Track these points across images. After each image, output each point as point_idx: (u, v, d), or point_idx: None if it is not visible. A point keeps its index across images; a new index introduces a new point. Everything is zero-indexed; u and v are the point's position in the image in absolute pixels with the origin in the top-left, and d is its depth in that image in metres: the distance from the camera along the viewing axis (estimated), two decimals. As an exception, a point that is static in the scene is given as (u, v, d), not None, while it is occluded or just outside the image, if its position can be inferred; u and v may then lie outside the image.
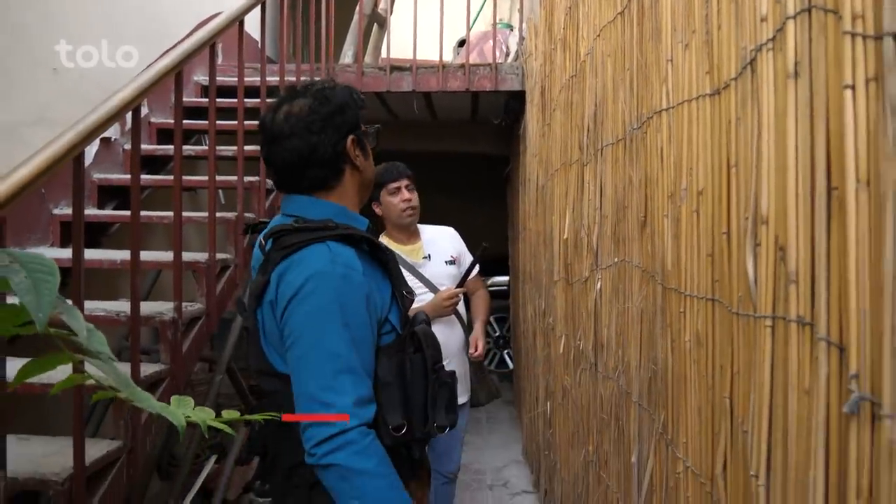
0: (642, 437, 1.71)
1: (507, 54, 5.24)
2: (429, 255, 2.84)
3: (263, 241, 1.41)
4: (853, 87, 0.73)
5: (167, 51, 3.94)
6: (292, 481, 1.37)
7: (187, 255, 2.63)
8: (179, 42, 4.03)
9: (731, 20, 1.09)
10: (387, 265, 1.42)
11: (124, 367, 1.97)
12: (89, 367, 0.96)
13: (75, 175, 1.85)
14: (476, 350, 2.84)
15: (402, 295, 1.43)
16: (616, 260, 2.01)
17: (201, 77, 4.28)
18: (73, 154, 1.82)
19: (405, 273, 2.47)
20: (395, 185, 2.80)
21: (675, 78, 1.40)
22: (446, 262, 2.87)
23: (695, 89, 1.28)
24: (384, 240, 2.73)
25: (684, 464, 1.34)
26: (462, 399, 2.75)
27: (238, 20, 2.94)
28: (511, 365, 6.63)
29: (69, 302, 0.98)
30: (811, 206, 0.83)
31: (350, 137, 1.43)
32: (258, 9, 3.28)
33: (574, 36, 2.69)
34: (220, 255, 2.82)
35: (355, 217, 1.45)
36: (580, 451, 2.57)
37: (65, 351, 0.98)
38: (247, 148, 3.19)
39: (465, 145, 6.32)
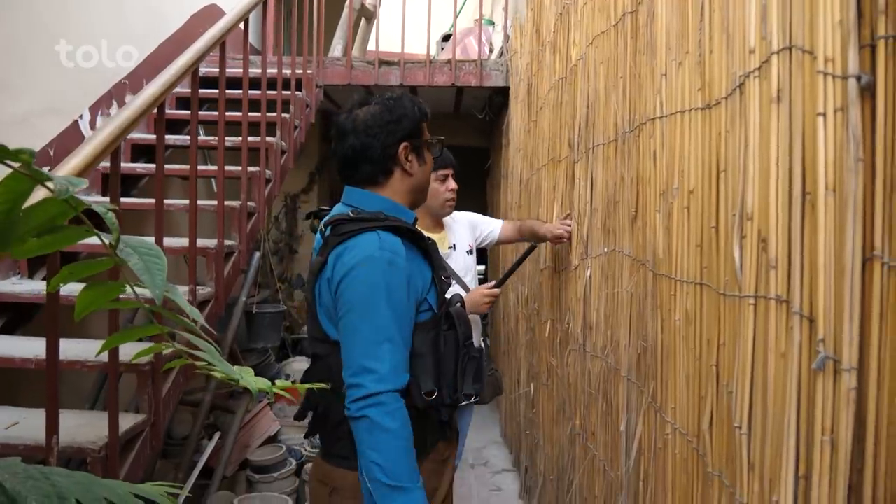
0: (630, 408, 1.93)
1: (491, 51, 5.42)
2: (454, 245, 2.79)
3: (324, 228, 1.60)
4: (824, 115, 0.93)
5: (162, 43, 4.07)
6: (338, 434, 1.57)
7: (199, 242, 2.78)
8: (174, 34, 4.16)
9: (722, 47, 1.29)
10: (428, 252, 1.62)
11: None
12: (192, 339, 1.13)
13: (112, 167, 2.00)
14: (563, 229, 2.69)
15: (441, 279, 1.63)
16: (606, 250, 2.22)
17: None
18: (112, 149, 1.97)
19: None
20: (444, 172, 2.71)
21: (669, 90, 1.60)
22: (467, 253, 2.84)
23: (687, 102, 1.48)
24: None
25: (672, 426, 1.55)
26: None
27: (244, 18, 3.08)
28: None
29: (172, 285, 1.15)
30: (789, 206, 1.03)
31: (403, 144, 1.63)
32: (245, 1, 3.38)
33: (565, 41, 2.89)
34: (226, 242, 2.97)
35: (404, 211, 1.65)
36: (566, 426, 2.79)
37: (156, 323, 1.16)
38: (236, 139, 3.34)
39: (448, 138, 6.50)
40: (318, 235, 1.66)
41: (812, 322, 0.97)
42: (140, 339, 1.60)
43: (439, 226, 2.81)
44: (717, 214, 1.31)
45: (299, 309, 5.83)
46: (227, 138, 3.51)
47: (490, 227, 2.98)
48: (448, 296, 1.68)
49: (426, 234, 2.72)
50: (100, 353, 1.22)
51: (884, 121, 0.85)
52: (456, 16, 5.23)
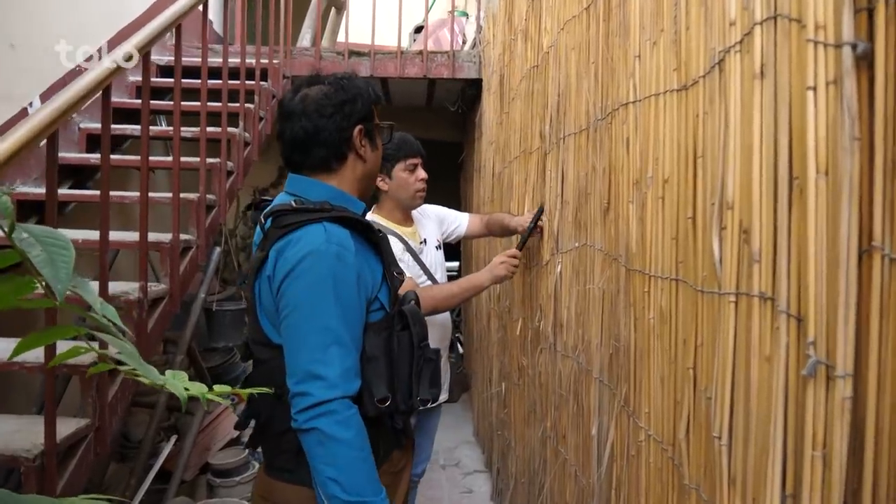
0: (602, 411, 1.82)
1: (465, 42, 5.30)
2: (425, 240, 2.64)
3: (263, 220, 1.47)
4: (815, 89, 0.83)
5: (123, 29, 3.91)
6: (281, 446, 1.45)
7: (151, 236, 2.64)
8: (136, 20, 3.99)
9: (700, 22, 1.18)
10: (378, 246, 1.50)
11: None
12: (108, 340, 1.00)
13: (49, 156, 1.86)
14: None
15: (393, 275, 1.51)
16: (577, 244, 2.12)
17: (156, 57, 4.23)
18: (47, 134, 1.83)
19: (409, 259, 2.48)
20: (412, 161, 2.53)
21: (643, 73, 1.49)
22: (436, 248, 2.68)
23: (662, 84, 1.37)
24: (376, 217, 2.54)
25: (646, 432, 1.44)
26: (444, 397, 2.71)
27: (203, 1, 2.93)
28: (461, 349, 6.73)
29: (81, 278, 1.02)
30: (774, 193, 0.93)
31: (358, 127, 1.51)
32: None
33: (536, 28, 2.78)
34: (182, 236, 2.83)
35: (352, 200, 1.53)
36: (537, 428, 2.68)
37: (70, 324, 1.03)
38: (191, 130, 3.20)
39: (420, 131, 6.38)
40: (258, 229, 1.54)
41: (801, 322, 0.87)
42: (75, 338, 1.45)
43: (409, 219, 2.66)
44: (693, 204, 1.21)
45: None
46: (186, 129, 3.37)
47: (457, 221, 2.86)
48: (401, 292, 1.56)
49: (401, 227, 2.61)
50: (12, 357, 1.09)
51: (883, 93, 0.75)
52: (429, 8, 5.11)
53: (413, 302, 1.54)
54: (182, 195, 2.93)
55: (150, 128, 3.81)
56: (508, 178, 3.46)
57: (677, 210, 1.29)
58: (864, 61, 0.77)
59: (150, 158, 3.39)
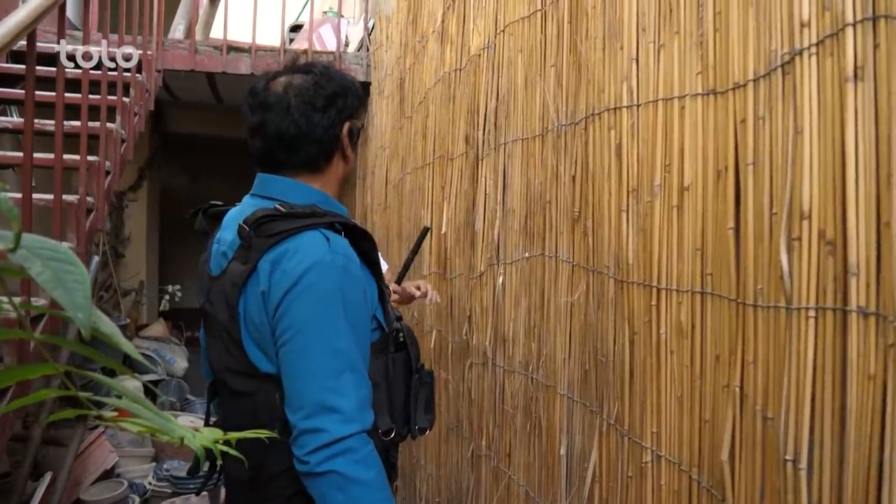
0: (573, 430, 1.74)
1: (347, 44, 5.13)
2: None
3: (246, 227, 1.23)
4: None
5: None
6: (268, 492, 1.23)
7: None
8: None
9: (744, 24, 1.13)
10: (371, 258, 1.32)
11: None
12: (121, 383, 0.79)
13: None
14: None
15: (383, 290, 1.34)
16: (527, 255, 2.03)
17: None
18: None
19: None
20: None
21: (643, 77, 1.43)
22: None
23: (677, 89, 1.31)
24: None
25: (655, 453, 1.37)
26: None
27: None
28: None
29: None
30: (876, 202, 0.88)
31: (346, 124, 1.33)
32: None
33: (459, 30, 2.68)
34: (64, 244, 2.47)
35: (337, 205, 1.35)
36: (464, 445, 2.57)
37: (49, 359, 0.81)
38: (73, 124, 2.83)
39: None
40: (230, 236, 1.30)
41: (922, 339, 0.82)
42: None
43: None
44: (736, 214, 1.15)
45: (135, 320, 5.18)
46: (46, 122, 2.97)
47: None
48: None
49: None
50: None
51: None
52: (311, 9, 4.89)
53: (400, 320, 1.39)
54: (63, 197, 2.57)
55: (6, 119, 3.36)
56: (415, 185, 3.34)
57: (702, 220, 1.24)
58: None
59: (16, 154, 2.98)
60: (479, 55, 2.45)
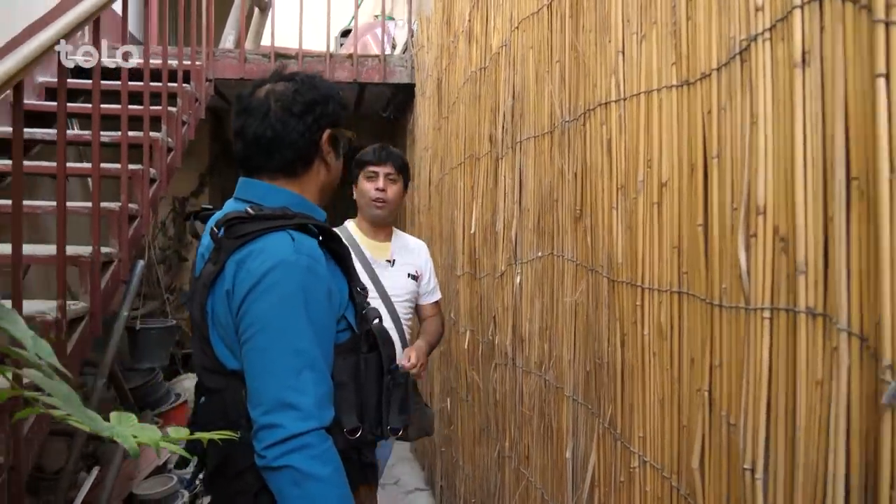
0: (578, 432, 1.71)
1: (394, 47, 5.16)
2: (393, 261, 2.40)
3: (216, 228, 1.27)
4: (887, 76, 0.72)
5: (30, 25, 3.59)
6: (236, 487, 1.26)
7: (68, 249, 2.38)
8: (45, 15, 3.68)
9: (709, 10, 1.08)
10: (343, 259, 1.33)
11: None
12: (37, 379, 0.81)
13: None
14: (409, 361, 2.19)
15: (357, 292, 1.35)
16: (540, 253, 2.00)
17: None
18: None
19: (362, 271, 2.24)
20: (374, 168, 2.37)
21: (629, 69, 1.38)
22: (408, 275, 2.41)
23: (655, 81, 1.27)
24: (351, 226, 2.43)
25: (641, 458, 1.33)
26: None
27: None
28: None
29: (8, 306, 0.84)
30: (823, 196, 0.83)
31: (327, 131, 1.35)
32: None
33: (483, 28, 2.66)
34: (103, 250, 2.58)
35: (314, 208, 1.36)
36: (491, 447, 2.55)
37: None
38: (110, 134, 2.95)
39: (349, 139, 6.20)
40: (207, 239, 1.34)
41: (865, 342, 0.76)
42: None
43: (382, 235, 2.44)
44: (705, 209, 1.10)
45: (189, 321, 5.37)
46: (105, 133, 3.10)
47: (432, 288, 2.51)
48: (364, 310, 1.39)
49: (366, 238, 2.37)
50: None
51: None
52: (356, 13, 4.94)
53: (378, 320, 1.39)
54: (102, 204, 2.68)
55: (68, 132, 3.52)
56: (451, 186, 3.34)
57: (679, 217, 1.19)
58: (953, 43, 0.67)
59: (72, 165, 3.12)
60: (499, 53, 2.42)
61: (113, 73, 3.25)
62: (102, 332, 2.71)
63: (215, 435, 1.10)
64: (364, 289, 1.39)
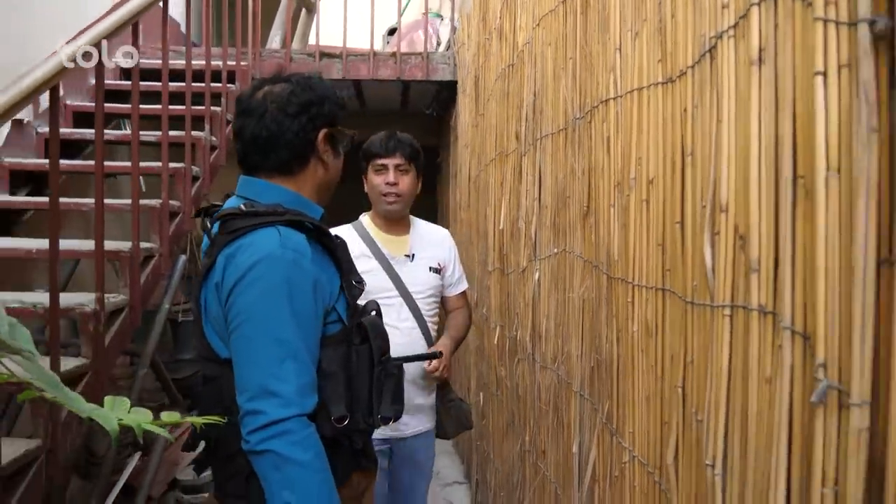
0: (583, 427, 1.72)
1: (439, 44, 5.20)
2: (412, 255, 2.31)
3: (209, 224, 1.35)
4: (825, 74, 0.72)
5: (83, 30, 3.76)
6: (231, 469, 1.33)
7: (109, 245, 2.50)
8: (96, 21, 3.85)
9: (686, 7, 1.08)
10: (335, 253, 1.38)
11: (42, 362, 1.85)
12: (14, 367, 0.88)
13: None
14: (429, 365, 2.20)
15: (351, 284, 1.39)
16: (556, 250, 2.01)
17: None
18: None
19: (380, 268, 2.23)
20: (382, 161, 2.26)
21: (624, 67, 1.39)
22: (430, 269, 2.32)
23: (645, 78, 1.27)
24: (366, 221, 2.34)
25: (630, 453, 1.34)
26: (424, 427, 2.33)
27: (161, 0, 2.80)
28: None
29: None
30: (775, 194, 0.83)
31: (324, 131, 1.40)
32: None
33: (511, 25, 2.68)
34: (143, 245, 2.69)
35: (308, 204, 1.41)
36: (516, 441, 2.57)
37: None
38: (171, 133, 3.07)
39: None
40: (206, 235, 1.41)
41: (808, 340, 0.76)
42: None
43: (398, 229, 2.34)
44: (681, 207, 1.10)
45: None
46: (150, 133, 3.23)
47: (457, 279, 2.43)
48: (362, 303, 1.44)
49: (381, 234, 2.30)
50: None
51: (907, 76, 0.65)
52: (401, 12, 5.00)
53: (374, 313, 1.43)
54: (144, 201, 2.79)
55: (115, 132, 3.68)
56: (485, 182, 3.36)
57: (663, 214, 1.19)
58: (884, 41, 0.67)
59: (114, 164, 3.26)
60: (523, 50, 2.43)
61: (173, 76, 3.38)
62: (144, 324, 2.84)
63: (205, 420, 1.17)
64: (360, 281, 1.44)
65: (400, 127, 2.40)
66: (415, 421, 2.30)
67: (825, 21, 0.72)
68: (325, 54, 4.60)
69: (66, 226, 3.45)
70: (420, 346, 2.26)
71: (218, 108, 3.66)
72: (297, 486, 1.21)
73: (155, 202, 2.88)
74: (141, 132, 2.84)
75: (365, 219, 2.37)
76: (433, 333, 2.34)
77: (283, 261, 1.25)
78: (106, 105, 2.73)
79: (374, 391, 1.35)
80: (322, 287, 1.31)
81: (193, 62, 3.35)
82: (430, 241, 2.38)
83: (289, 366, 1.23)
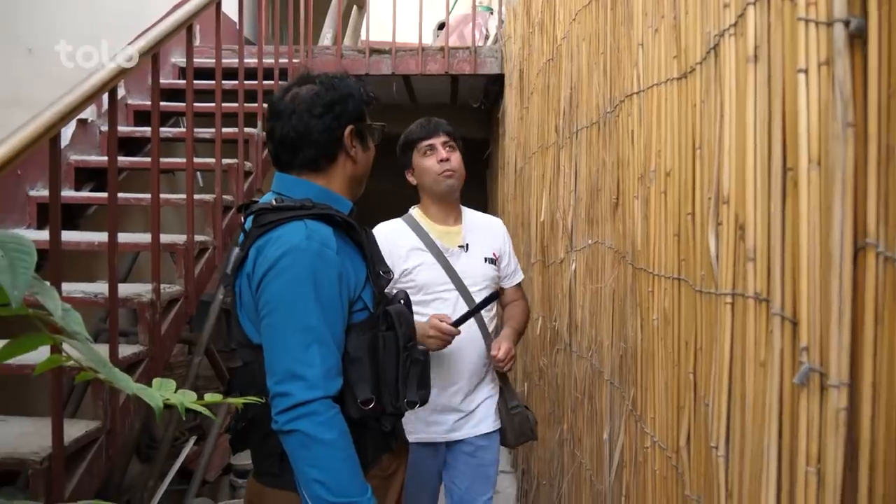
0: (613, 415, 1.75)
1: (487, 37, 5.24)
2: (466, 245, 2.22)
3: (244, 219, 1.45)
4: (806, 71, 0.76)
5: (143, 32, 3.93)
6: (266, 449, 1.42)
7: (165, 238, 2.64)
8: (156, 23, 4.01)
9: (697, 5, 1.11)
10: (362, 245, 1.46)
11: (102, 349, 1.98)
12: (69, 349, 0.97)
13: (52, 156, 1.85)
14: (498, 351, 2.12)
15: (378, 275, 1.47)
16: (590, 241, 2.05)
17: (178, 59, 4.25)
18: (50, 135, 1.83)
19: (434, 262, 2.17)
20: (427, 142, 2.19)
21: (646, 62, 1.42)
22: (486, 260, 2.24)
23: (663, 73, 1.30)
24: (417, 214, 2.25)
25: (651, 438, 1.37)
26: (488, 427, 2.25)
27: (215, 1, 2.92)
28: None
29: (46, 283, 1.00)
30: (768, 185, 0.86)
31: (349, 127, 1.47)
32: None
33: (551, 19, 2.71)
34: (198, 238, 2.83)
35: (338, 199, 1.49)
36: (556, 430, 2.62)
37: (44, 331, 0.99)
38: (225, 130, 3.19)
39: (445, 129, 6.33)
40: (241, 229, 1.51)
41: (795, 325, 0.80)
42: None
43: (452, 218, 2.26)
44: (692, 199, 1.14)
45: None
46: (202, 129, 3.37)
47: (513, 270, 2.37)
48: (393, 291, 1.52)
49: (435, 225, 2.23)
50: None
51: (877, 73, 0.68)
52: (449, 3, 5.05)
53: (402, 302, 1.50)
54: (198, 196, 2.93)
55: (172, 129, 3.84)
56: (528, 175, 3.40)
57: (679, 205, 1.23)
58: (859, 39, 0.70)
59: (170, 160, 3.41)
60: (561, 44, 2.47)
61: (229, 74, 3.51)
62: (200, 314, 2.98)
63: (243, 400, 1.25)
64: (387, 271, 1.51)
65: (451, 120, 2.36)
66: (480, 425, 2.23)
67: (806, 21, 0.75)
68: (375, 50, 4.69)
69: (127, 220, 3.63)
70: (478, 343, 2.21)
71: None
72: (323, 463, 1.30)
73: (209, 197, 3.02)
74: (196, 129, 2.98)
75: (415, 211, 2.29)
76: (490, 329, 2.26)
77: (309, 252, 1.34)
78: (162, 104, 2.87)
79: (401, 376, 1.43)
80: (348, 276, 1.39)
81: (247, 60, 3.48)
82: (483, 231, 2.31)
83: (314, 351, 1.31)
